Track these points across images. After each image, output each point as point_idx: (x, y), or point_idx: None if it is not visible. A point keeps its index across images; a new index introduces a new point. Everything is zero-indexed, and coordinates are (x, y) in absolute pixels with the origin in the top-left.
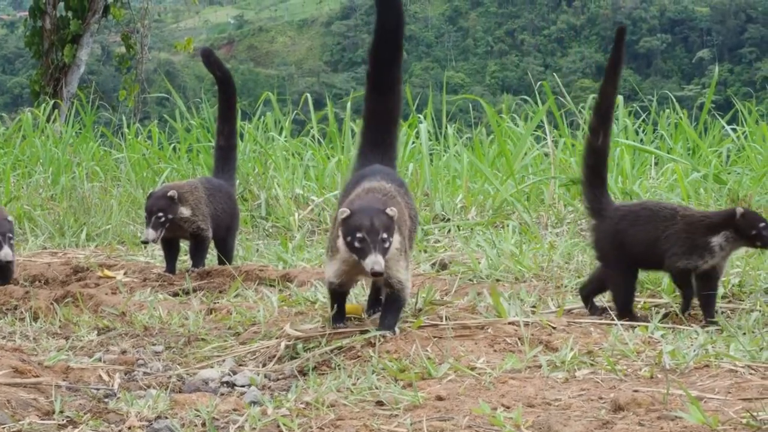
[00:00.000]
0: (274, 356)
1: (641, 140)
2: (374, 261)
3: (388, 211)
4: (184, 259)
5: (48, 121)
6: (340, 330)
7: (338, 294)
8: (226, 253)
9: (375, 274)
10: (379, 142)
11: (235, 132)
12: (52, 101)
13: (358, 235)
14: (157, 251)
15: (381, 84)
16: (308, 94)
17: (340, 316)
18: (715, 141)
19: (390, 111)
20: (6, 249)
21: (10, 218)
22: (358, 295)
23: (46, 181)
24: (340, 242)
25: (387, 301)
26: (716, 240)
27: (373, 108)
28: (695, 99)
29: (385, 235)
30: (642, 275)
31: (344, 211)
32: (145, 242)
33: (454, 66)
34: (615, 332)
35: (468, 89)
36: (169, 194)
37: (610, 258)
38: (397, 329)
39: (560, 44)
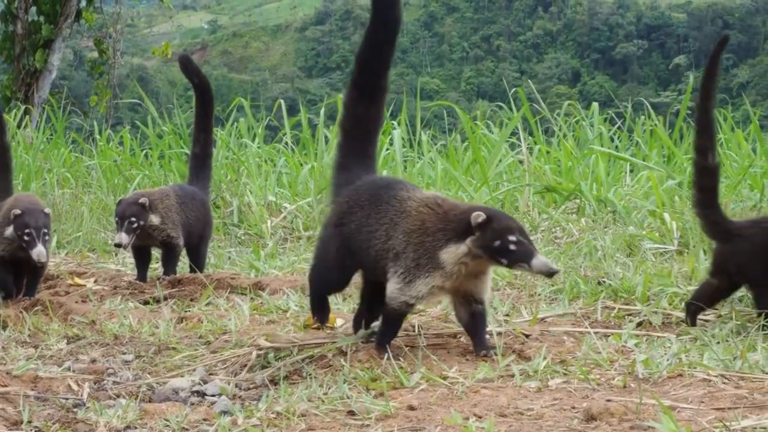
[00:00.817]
0: (246, 365)
1: (616, 147)
2: (543, 260)
3: None
4: (155, 267)
5: (19, 126)
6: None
7: (404, 316)
8: (198, 262)
9: (551, 274)
10: (362, 154)
11: (212, 140)
12: (23, 107)
13: (511, 237)
14: (128, 259)
15: (369, 90)
16: (282, 101)
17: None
18: (690, 148)
19: (375, 120)
20: (40, 247)
21: (47, 210)
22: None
23: (17, 187)
24: (454, 252)
25: (479, 319)
26: None
27: (358, 116)
28: (672, 105)
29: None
30: (615, 283)
31: (479, 215)
32: (119, 245)
33: (429, 72)
34: (588, 341)
35: (443, 95)
36: (140, 201)
37: (759, 276)
38: None
39: (536, 50)
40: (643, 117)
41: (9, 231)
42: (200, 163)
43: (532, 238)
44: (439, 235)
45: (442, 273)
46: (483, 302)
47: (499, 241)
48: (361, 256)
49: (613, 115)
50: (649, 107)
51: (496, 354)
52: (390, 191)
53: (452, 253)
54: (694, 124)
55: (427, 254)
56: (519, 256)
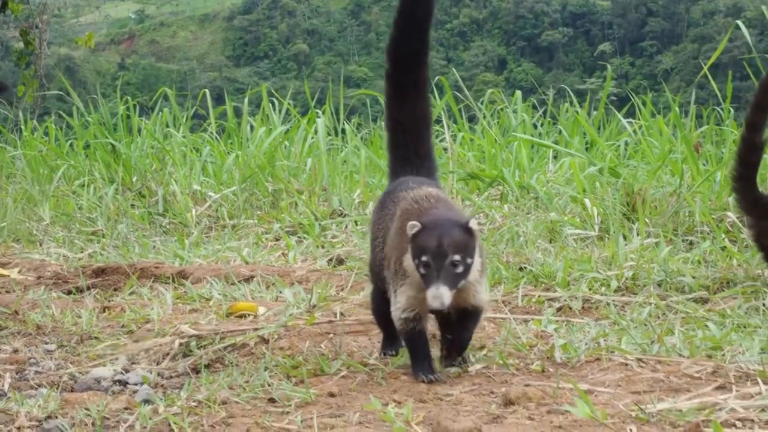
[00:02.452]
0: (168, 354)
1: (540, 134)
2: (433, 293)
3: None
4: (80, 256)
5: None
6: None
7: (410, 335)
8: None
9: (431, 310)
10: (410, 157)
11: None
12: None
13: (423, 258)
14: (53, 249)
15: (407, 86)
16: (207, 90)
17: (428, 363)
18: (612, 135)
19: (420, 117)
20: None
21: None
22: (253, 292)
23: None
24: (410, 262)
25: (463, 324)
26: None
27: (397, 116)
28: (597, 92)
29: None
30: (536, 268)
31: (414, 225)
32: None
33: (357, 60)
34: (508, 326)
35: (371, 83)
36: None
37: None
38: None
39: (463, 38)
40: (566, 104)
41: None
42: None
43: None
44: (406, 239)
45: (410, 282)
46: (475, 309)
47: (417, 260)
48: (376, 270)
49: (536, 102)
50: (572, 94)
51: (464, 363)
52: (393, 193)
53: (409, 262)
54: (754, 99)
55: (399, 261)
56: (425, 280)
